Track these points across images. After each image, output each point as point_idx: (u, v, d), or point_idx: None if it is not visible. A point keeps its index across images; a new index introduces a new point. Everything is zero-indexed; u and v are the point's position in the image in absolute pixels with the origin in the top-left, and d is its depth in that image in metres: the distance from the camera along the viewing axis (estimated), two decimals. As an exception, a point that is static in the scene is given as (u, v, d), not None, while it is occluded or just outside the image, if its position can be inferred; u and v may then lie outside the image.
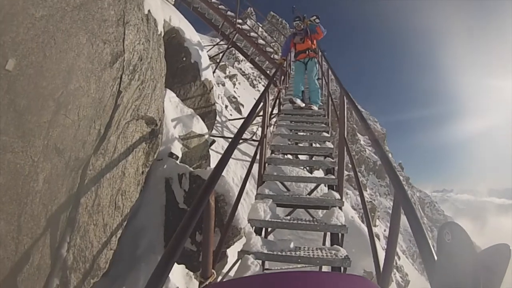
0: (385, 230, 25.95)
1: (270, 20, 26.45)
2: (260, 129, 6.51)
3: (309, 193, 3.81)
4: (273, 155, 3.70)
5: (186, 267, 3.15)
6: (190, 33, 5.42)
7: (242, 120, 2.39)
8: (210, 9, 8.66)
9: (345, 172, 3.24)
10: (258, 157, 3.06)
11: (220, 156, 1.67)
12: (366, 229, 6.50)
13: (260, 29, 22.31)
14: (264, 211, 2.58)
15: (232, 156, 1.84)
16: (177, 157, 3.74)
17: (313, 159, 4.45)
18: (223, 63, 18.38)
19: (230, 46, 9.25)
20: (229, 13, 8.70)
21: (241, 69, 26.30)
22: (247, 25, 9.32)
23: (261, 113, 3.87)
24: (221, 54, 10.89)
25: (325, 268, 2.87)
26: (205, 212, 1.38)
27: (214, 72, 8.96)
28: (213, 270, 1.46)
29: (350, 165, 3.05)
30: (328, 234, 3.30)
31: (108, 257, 2.54)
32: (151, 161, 3.22)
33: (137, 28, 2.78)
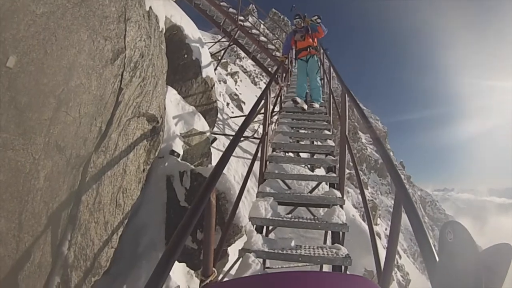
0: (386, 229, 25.97)
1: (272, 17, 26.38)
2: (261, 126, 6.51)
3: (310, 191, 3.82)
4: (274, 153, 3.69)
5: (187, 265, 3.15)
6: (192, 30, 5.38)
7: (244, 118, 2.38)
8: (211, 6, 8.61)
9: (347, 170, 3.23)
10: (259, 155, 3.06)
11: (221, 153, 1.67)
12: (367, 227, 6.50)
13: (262, 26, 22.21)
14: (265, 209, 2.58)
15: (234, 153, 1.84)
16: (178, 155, 3.73)
17: (315, 157, 4.44)
18: (225, 60, 18.34)
19: (231, 43, 9.23)
20: (230, 10, 8.66)
21: (242, 66, 26.26)
22: (249, 22, 9.27)
23: (262, 111, 3.86)
24: (222, 51, 10.86)
25: (326, 267, 2.87)
26: (206, 210, 1.38)
27: (215, 69, 8.94)
28: (214, 269, 1.46)
29: (351, 163, 3.04)
30: (329, 232, 3.30)
31: (109, 255, 2.54)
32: (152, 159, 3.22)
33: (138, 25, 2.77)
